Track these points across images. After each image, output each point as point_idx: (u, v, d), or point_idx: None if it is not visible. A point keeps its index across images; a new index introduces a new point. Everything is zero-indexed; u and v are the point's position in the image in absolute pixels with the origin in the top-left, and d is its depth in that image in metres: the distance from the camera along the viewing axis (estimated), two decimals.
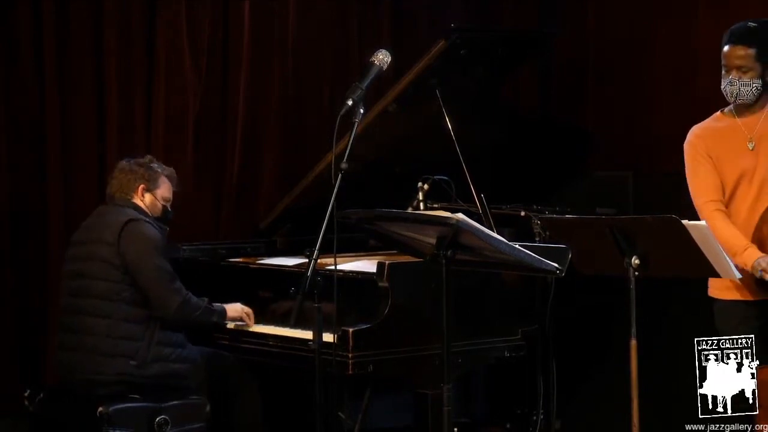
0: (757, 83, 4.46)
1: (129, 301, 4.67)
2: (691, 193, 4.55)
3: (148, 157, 4.98)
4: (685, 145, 4.60)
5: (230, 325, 4.91)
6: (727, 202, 4.53)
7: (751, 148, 4.52)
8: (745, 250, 4.38)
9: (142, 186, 4.85)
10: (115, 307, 4.65)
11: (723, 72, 4.50)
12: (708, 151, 4.53)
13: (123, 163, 4.93)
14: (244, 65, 5.91)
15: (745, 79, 4.45)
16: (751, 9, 5.40)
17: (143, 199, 4.86)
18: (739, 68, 4.45)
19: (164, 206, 4.91)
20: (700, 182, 4.53)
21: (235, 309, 4.90)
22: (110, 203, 4.87)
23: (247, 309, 4.93)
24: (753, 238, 4.44)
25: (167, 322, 4.71)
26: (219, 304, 4.88)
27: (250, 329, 4.90)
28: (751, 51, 4.43)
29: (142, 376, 4.62)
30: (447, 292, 3.82)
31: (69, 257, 4.85)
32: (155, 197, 4.88)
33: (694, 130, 4.61)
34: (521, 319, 4.89)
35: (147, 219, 4.78)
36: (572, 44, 6.25)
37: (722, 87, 4.52)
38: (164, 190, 4.92)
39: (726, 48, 4.48)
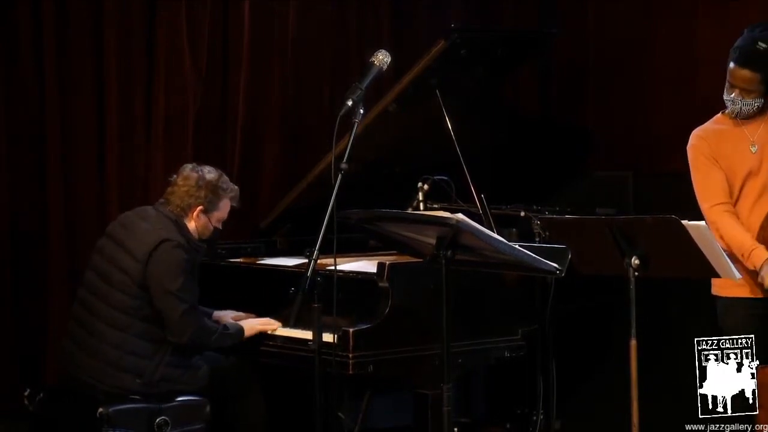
0: (759, 102, 4.47)
1: (146, 318, 4.62)
2: (697, 197, 4.55)
3: (217, 173, 4.80)
4: (688, 149, 4.61)
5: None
6: (735, 200, 4.54)
7: (754, 152, 4.53)
8: (753, 251, 4.39)
9: (200, 208, 4.74)
10: (131, 322, 4.60)
11: (727, 85, 4.49)
12: (712, 152, 4.54)
13: (189, 172, 4.77)
14: (244, 65, 5.91)
15: (748, 99, 4.46)
16: (751, 9, 5.41)
17: (197, 221, 4.75)
18: (742, 89, 4.45)
19: (215, 228, 4.82)
20: (706, 185, 4.53)
21: (252, 327, 4.82)
22: (159, 206, 4.77)
23: (264, 320, 4.85)
24: (758, 238, 4.46)
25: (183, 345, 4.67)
26: (234, 324, 4.81)
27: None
28: (757, 75, 4.43)
29: (148, 393, 4.59)
30: (447, 292, 3.82)
31: (98, 249, 4.75)
32: (210, 220, 4.78)
33: (697, 133, 4.61)
34: (521, 319, 4.90)
35: (182, 240, 4.65)
36: (572, 44, 6.25)
37: (724, 98, 4.51)
38: (222, 212, 4.81)
39: (732, 66, 4.45)
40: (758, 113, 4.53)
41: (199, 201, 4.74)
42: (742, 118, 4.51)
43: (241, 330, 4.79)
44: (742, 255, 4.38)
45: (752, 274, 4.43)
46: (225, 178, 4.84)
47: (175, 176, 4.82)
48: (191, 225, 4.76)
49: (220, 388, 4.80)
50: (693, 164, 4.59)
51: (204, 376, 4.73)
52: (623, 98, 6.14)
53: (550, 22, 6.29)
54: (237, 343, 4.79)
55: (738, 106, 4.48)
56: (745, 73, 4.43)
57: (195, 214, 4.76)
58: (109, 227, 4.81)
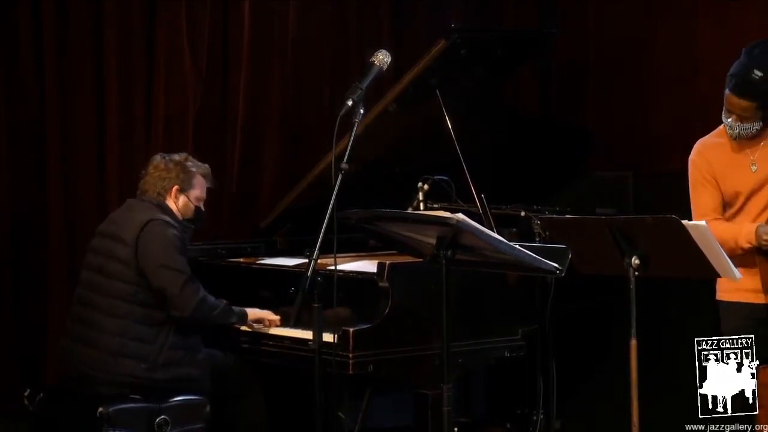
0: (757, 125, 4.47)
1: (144, 303, 4.64)
2: (692, 213, 4.57)
3: (184, 154, 4.92)
4: (689, 162, 4.63)
5: (246, 327, 4.86)
6: (735, 213, 4.55)
7: (754, 171, 4.53)
8: (743, 227, 4.40)
9: (176, 188, 4.82)
10: (130, 309, 4.63)
11: (724, 108, 4.48)
12: (711, 170, 4.55)
13: (158, 160, 4.87)
14: (244, 65, 5.92)
15: (746, 124, 4.46)
16: (751, 9, 5.41)
17: (176, 201, 4.83)
18: (739, 116, 4.44)
19: (197, 207, 4.88)
20: (700, 203, 4.57)
21: (254, 313, 4.85)
22: (140, 198, 4.84)
23: (267, 313, 4.88)
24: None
25: (183, 325, 4.67)
26: (239, 308, 4.84)
27: (254, 330, 4.89)
28: (753, 104, 4.41)
29: (152, 379, 4.60)
30: (447, 292, 3.82)
31: (91, 248, 4.81)
32: (188, 198, 4.85)
33: (698, 147, 4.62)
34: (521, 319, 4.89)
35: (168, 219, 4.73)
36: (572, 44, 6.25)
37: (723, 119, 4.50)
38: (198, 190, 4.89)
39: (728, 93, 4.43)
40: (758, 132, 4.53)
41: (173, 181, 4.82)
42: (741, 140, 4.51)
43: (244, 312, 4.82)
44: (735, 239, 4.38)
45: (753, 278, 4.43)
46: (192, 158, 4.92)
47: (143, 171, 4.88)
48: (173, 206, 4.82)
49: (220, 388, 4.80)
50: (690, 179, 4.62)
51: (204, 358, 4.74)
52: (623, 98, 6.14)
53: (550, 22, 6.29)
54: (240, 324, 4.81)
55: (736, 131, 4.48)
56: (742, 102, 4.41)
57: (173, 194, 4.83)
58: (100, 227, 4.86)
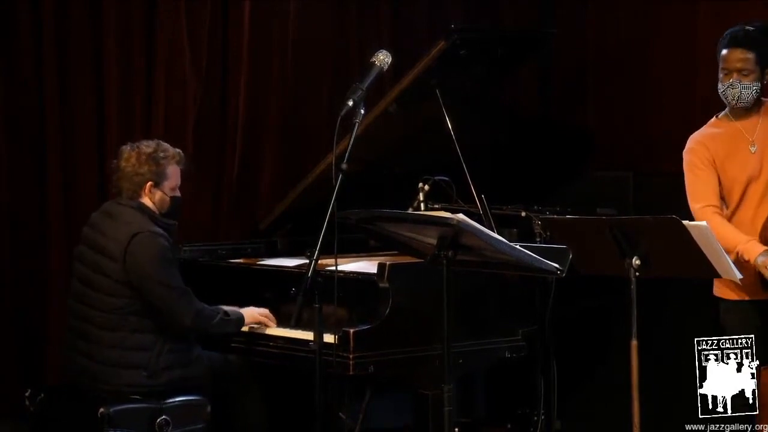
0: (756, 86, 4.50)
1: (138, 313, 4.62)
2: (689, 198, 4.58)
3: (153, 143, 4.81)
4: (685, 153, 4.62)
5: (246, 328, 4.86)
6: (736, 206, 4.55)
7: (753, 152, 4.54)
8: (748, 242, 4.39)
9: (149, 184, 4.74)
10: (124, 320, 4.61)
11: (721, 76, 4.52)
12: (711, 156, 4.55)
13: (128, 152, 4.76)
14: (244, 65, 5.91)
15: (746, 82, 4.48)
16: (751, 9, 5.41)
17: (152, 196, 4.75)
18: (739, 71, 4.47)
19: (172, 197, 4.81)
20: (699, 187, 4.55)
21: (252, 315, 4.84)
22: (117, 201, 4.77)
23: (264, 311, 4.87)
24: (760, 239, 4.46)
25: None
26: (235, 311, 4.82)
27: (254, 331, 4.89)
28: (751, 55, 4.47)
29: (154, 385, 4.60)
30: (447, 292, 3.82)
31: (77, 255, 4.77)
32: (163, 192, 4.77)
33: (695, 137, 4.63)
34: (522, 319, 4.89)
35: (155, 229, 4.67)
36: (572, 44, 6.26)
37: (720, 91, 4.53)
38: (172, 180, 4.81)
39: (725, 51, 4.51)
40: (753, 108, 4.54)
41: (147, 176, 4.74)
42: (743, 104, 4.51)
43: (241, 318, 4.80)
44: (737, 251, 4.37)
45: (753, 274, 4.43)
46: (164, 146, 4.82)
47: (115, 161, 4.82)
48: (149, 203, 4.75)
49: (220, 388, 4.80)
50: (688, 166, 4.61)
51: (199, 355, 4.74)
52: (623, 98, 6.14)
53: (550, 22, 6.29)
54: (238, 330, 4.80)
55: (737, 90, 4.50)
56: (739, 53, 4.48)
57: (147, 190, 4.75)
58: (84, 231, 4.81)
